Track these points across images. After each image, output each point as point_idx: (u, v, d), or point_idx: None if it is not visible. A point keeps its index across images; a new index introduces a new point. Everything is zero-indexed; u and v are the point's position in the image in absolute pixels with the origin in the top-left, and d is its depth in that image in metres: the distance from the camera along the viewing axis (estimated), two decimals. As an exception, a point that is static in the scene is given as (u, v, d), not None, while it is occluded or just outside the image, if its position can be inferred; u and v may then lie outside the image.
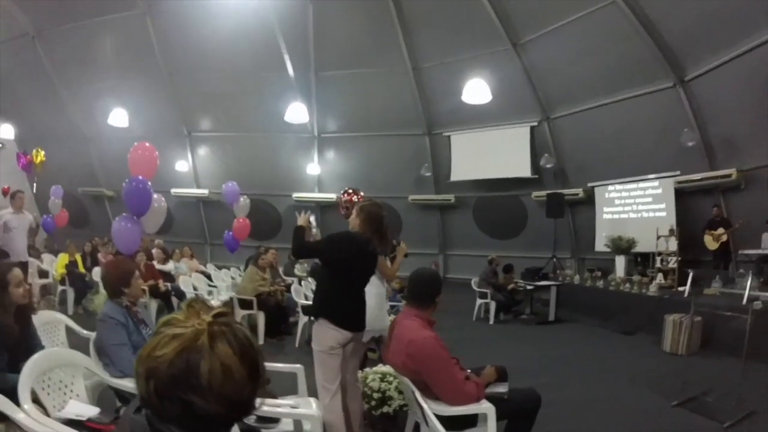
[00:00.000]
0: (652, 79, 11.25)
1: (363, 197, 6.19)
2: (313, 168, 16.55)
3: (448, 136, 15.26)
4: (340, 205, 6.19)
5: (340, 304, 3.54)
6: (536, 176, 14.18)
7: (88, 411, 2.73)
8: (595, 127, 12.58)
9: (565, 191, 13.53)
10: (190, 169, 17.67)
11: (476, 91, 9.06)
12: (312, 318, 3.69)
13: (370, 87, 14.65)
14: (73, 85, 16.38)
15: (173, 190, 16.91)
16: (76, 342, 3.90)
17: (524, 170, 14.20)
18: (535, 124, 13.97)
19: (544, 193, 13.71)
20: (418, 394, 2.93)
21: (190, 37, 14.36)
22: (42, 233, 15.34)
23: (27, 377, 2.55)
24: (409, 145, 15.57)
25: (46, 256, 11.52)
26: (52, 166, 15.56)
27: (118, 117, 13.24)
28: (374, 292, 4.37)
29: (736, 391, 4.64)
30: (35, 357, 2.75)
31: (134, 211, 6.72)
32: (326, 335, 3.48)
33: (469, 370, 3.31)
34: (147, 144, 7.16)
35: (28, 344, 3.13)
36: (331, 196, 16.16)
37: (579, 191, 13.53)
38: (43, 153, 9.95)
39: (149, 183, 6.80)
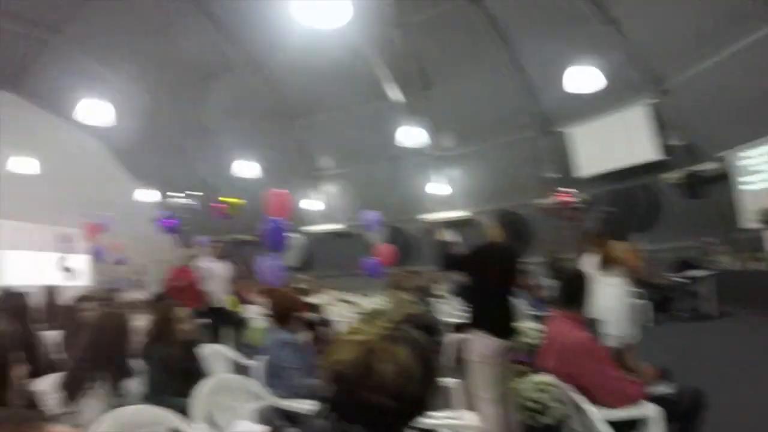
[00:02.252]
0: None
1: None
2: (439, 188, 16.52)
3: (567, 132, 14.34)
4: (558, 209, 6.12)
5: (492, 313, 3.51)
6: (664, 157, 12.65)
7: (256, 430, 2.87)
8: (719, 88, 10.91)
9: (698, 168, 12.07)
10: (323, 206, 18.32)
11: (581, 78, 8.69)
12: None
13: (477, 96, 14.32)
14: (200, 147, 17.91)
15: (309, 228, 17.62)
16: (236, 370, 4.23)
17: (650, 153, 12.78)
18: (651, 100, 12.59)
19: (675, 174, 12.39)
20: (580, 399, 2.83)
21: (298, 84, 15.08)
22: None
23: (199, 399, 2.76)
24: (529, 148, 14.86)
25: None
26: (196, 219, 16.67)
27: (249, 168, 14.62)
28: (610, 292, 4.27)
29: None
30: (207, 382, 3.03)
31: (273, 248, 7.22)
32: (481, 344, 3.48)
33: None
34: (280, 190, 7.88)
35: (196, 372, 3.41)
36: (462, 213, 16.05)
37: (714, 164, 11.97)
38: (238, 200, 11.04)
39: (285, 222, 7.40)
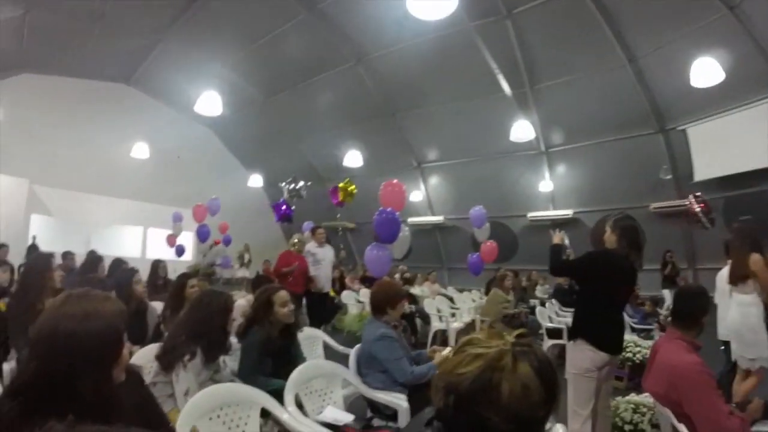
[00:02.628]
0: None
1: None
2: (545, 185, 16.00)
3: (684, 130, 12.91)
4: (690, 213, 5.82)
5: (599, 324, 3.32)
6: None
7: (344, 417, 2.93)
8: None
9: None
10: (424, 198, 18.40)
11: (704, 71, 8.05)
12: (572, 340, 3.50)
13: (588, 91, 13.48)
14: (305, 138, 18.62)
15: (410, 219, 17.70)
16: (329, 355, 4.31)
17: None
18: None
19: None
20: (683, 428, 2.58)
21: (403, 77, 15.01)
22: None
23: (293, 383, 2.84)
24: (642, 147, 13.78)
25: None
26: (298, 205, 17.23)
27: (353, 158, 15.10)
28: (742, 310, 4.00)
29: None
30: (303, 366, 3.11)
31: (384, 239, 7.28)
32: (583, 357, 3.29)
33: (733, 404, 2.89)
34: (395, 181, 8.00)
35: (291, 355, 3.49)
36: (567, 212, 15.53)
37: None
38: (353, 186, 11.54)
39: (398, 213, 7.43)
